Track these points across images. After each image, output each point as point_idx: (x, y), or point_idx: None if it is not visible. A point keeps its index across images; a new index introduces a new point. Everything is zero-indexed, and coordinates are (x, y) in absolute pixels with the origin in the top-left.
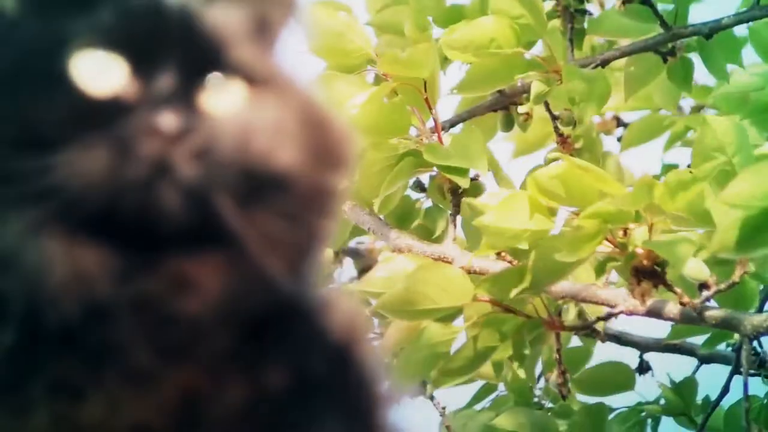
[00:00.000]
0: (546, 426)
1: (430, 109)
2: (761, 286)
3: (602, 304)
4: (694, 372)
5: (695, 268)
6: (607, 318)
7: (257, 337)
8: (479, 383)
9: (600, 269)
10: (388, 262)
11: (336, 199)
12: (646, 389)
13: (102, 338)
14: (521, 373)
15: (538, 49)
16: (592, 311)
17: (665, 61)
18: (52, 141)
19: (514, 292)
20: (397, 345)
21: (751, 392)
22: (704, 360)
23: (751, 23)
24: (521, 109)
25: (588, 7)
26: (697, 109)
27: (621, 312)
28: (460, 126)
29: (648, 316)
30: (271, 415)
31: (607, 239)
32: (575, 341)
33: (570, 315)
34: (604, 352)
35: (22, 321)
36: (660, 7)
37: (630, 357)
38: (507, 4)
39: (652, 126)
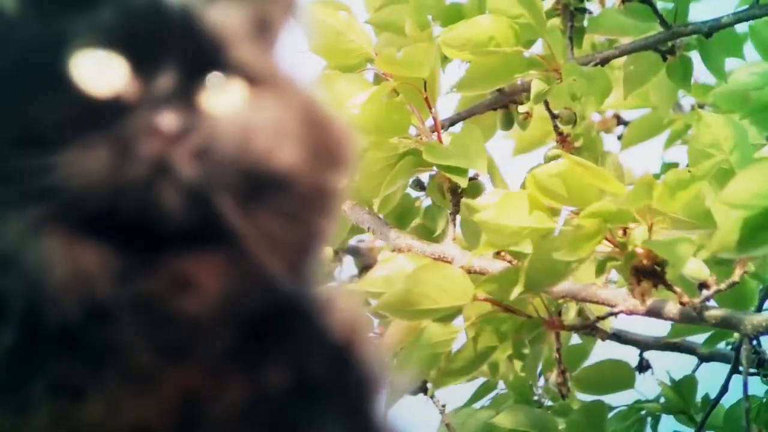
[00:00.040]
0: (545, 424)
1: (429, 108)
2: (761, 286)
3: (602, 303)
4: (694, 370)
5: (695, 268)
6: (606, 317)
7: (257, 337)
8: (479, 381)
9: (600, 269)
10: (388, 262)
11: (336, 198)
12: (646, 387)
13: (102, 338)
14: (522, 373)
15: (537, 48)
16: (593, 310)
17: (665, 59)
18: (52, 141)
19: (514, 292)
20: (397, 345)
21: (750, 392)
22: (704, 358)
23: (750, 22)
24: (521, 108)
25: (588, 5)
26: (698, 107)
27: (621, 312)
28: (459, 124)
29: (648, 315)
30: (271, 415)
31: (606, 239)
32: (574, 339)
33: (570, 314)
34: (604, 351)
35: (22, 321)
36: (660, 5)
37: (630, 355)
38: (506, 3)
39: (652, 124)
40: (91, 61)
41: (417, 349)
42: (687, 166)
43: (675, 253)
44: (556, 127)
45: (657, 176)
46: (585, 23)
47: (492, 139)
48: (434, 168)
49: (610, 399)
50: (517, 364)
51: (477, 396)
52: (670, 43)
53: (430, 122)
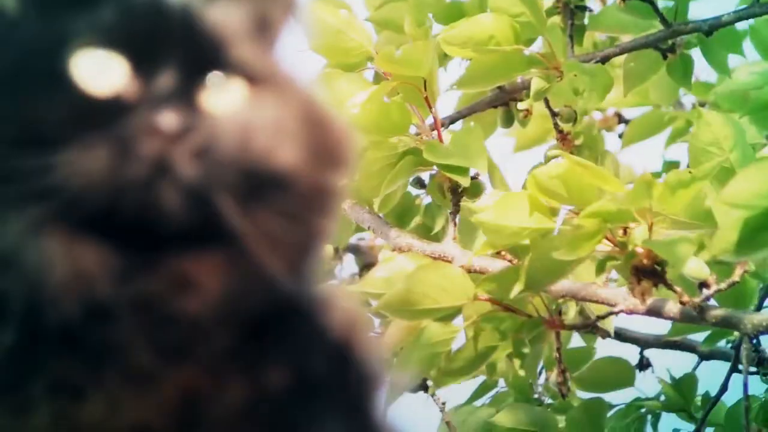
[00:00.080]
0: (545, 422)
1: (429, 107)
2: (761, 285)
3: (602, 303)
4: (694, 368)
5: (695, 267)
6: (607, 317)
7: (257, 336)
8: (479, 379)
9: (600, 268)
10: (388, 262)
11: (336, 198)
12: (646, 385)
13: (102, 338)
14: (522, 372)
15: (537, 46)
16: (593, 309)
17: (665, 57)
18: (52, 140)
19: (514, 292)
20: (398, 344)
21: (750, 390)
22: (704, 357)
23: (751, 20)
24: (521, 105)
25: (588, 3)
26: (699, 105)
27: (621, 311)
28: (460, 122)
29: (648, 315)
30: (271, 414)
31: (606, 238)
32: (577, 340)
33: (570, 313)
34: (604, 349)
35: (22, 320)
36: (660, 3)
37: (630, 353)
38: (506, 1)
39: (653, 122)
40: (92, 61)
41: (417, 348)
42: (688, 164)
43: (675, 253)
44: (556, 125)
45: (658, 174)
46: (585, 21)
47: (492, 137)
48: (435, 167)
49: (610, 397)
50: (517, 363)
51: (477, 394)
52: (670, 41)
53: (430, 120)
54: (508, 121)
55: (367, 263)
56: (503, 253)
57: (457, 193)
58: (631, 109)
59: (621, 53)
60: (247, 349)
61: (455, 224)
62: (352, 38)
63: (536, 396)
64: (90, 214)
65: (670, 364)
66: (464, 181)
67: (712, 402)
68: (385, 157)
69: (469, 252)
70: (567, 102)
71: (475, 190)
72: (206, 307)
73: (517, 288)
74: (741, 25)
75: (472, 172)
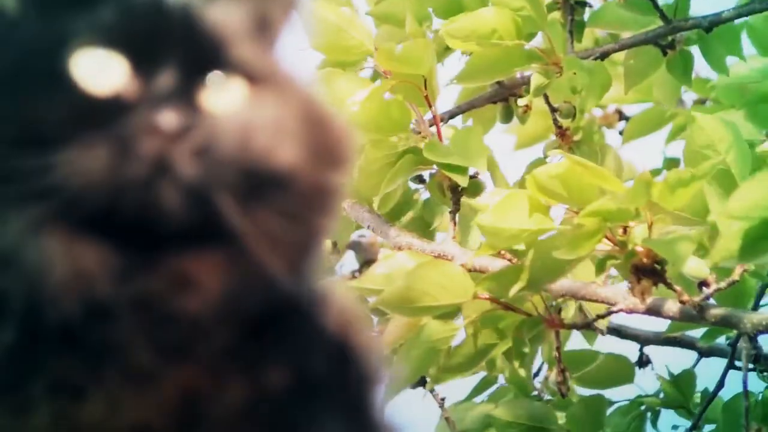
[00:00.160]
0: (545, 417)
1: (429, 105)
2: (759, 284)
3: (602, 302)
4: (694, 365)
5: (695, 267)
6: (607, 316)
7: (257, 336)
8: (479, 375)
9: (600, 267)
10: (388, 259)
11: (336, 197)
12: (646, 382)
13: (102, 337)
14: (522, 372)
15: (537, 41)
16: (593, 308)
17: (665, 54)
18: (52, 140)
19: (513, 290)
20: (397, 342)
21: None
22: (704, 353)
23: (749, 17)
24: (521, 101)
25: None
26: (700, 102)
27: (621, 310)
28: (459, 117)
29: (648, 314)
30: (271, 414)
31: (606, 237)
32: (578, 338)
33: (570, 311)
34: (604, 346)
35: (22, 320)
36: (660, 0)
37: (630, 350)
38: None
39: (653, 119)
40: (91, 60)
41: (416, 346)
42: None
43: (675, 252)
44: (555, 121)
45: (659, 171)
46: (585, 17)
47: (493, 134)
48: (434, 166)
49: (610, 394)
50: (516, 364)
51: (477, 390)
52: (670, 38)
53: (428, 116)
54: (508, 117)
55: (367, 260)
56: (503, 252)
57: (456, 192)
58: (632, 105)
59: (620, 49)
60: (247, 349)
61: (455, 223)
62: (352, 36)
63: (536, 393)
64: (90, 213)
65: (670, 360)
66: (463, 181)
67: (708, 399)
68: (384, 156)
69: (469, 251)
70: (566, 98)
71: (475, 188)
72: (206, 307)
73: (517, 287)
74: (738, 22)
75: (471, 171)
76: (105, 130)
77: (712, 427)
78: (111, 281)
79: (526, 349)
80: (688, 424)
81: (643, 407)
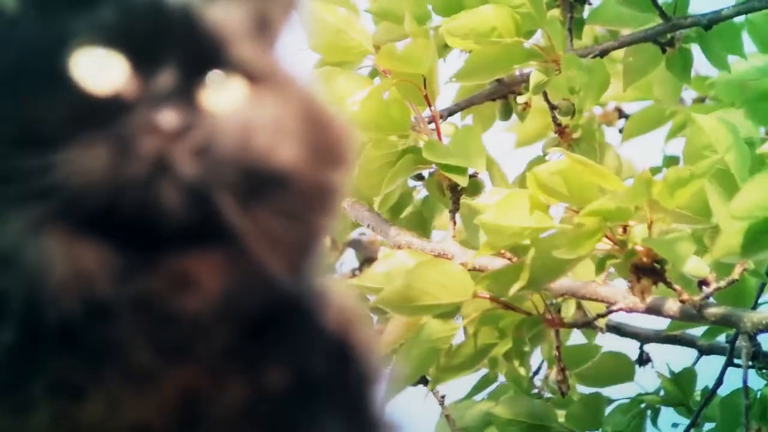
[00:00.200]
0: (545, 415)
1: (429, 105)
2: (759, 283)
3: (602, 301)
4: (694, 363)
5: (695, 266)
6: (607, 315)
7: (257, 335)
8: (479, 373)
9: (600, 266)
10: (388, 258)
11: (336, 196)
12: (646, 380)
13: (102, 337)
14: (522, 371)
15: (537, 39)
16: (593, 306)
17: (664, 51)
18: (52, 139)
19: (513, 289)
20: (397, 341)
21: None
22: (704, 351)
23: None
24: (520, 98)
25: None
26: (699, 100)
27: (621, 309)
28: (458, 114)
29: (648, 313)
30: (271, 414)
31: (606, 236)
32: (578, 335)
33: (570, 310)
34: (604, 343)
35: (22, 319)
36: None
37: (630, 348)
38: None
39: (653, 117)
40: (91, 60)
41: (416, 345)
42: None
43: (675, 252)
44: (554, 119)
45: (658, 169)
46: (585, 14)
47: (492, 132)
48: (434, 165)
49: (610, 392)
50: (516, 363)
51: (477, 388)
52: (669, 35)
53: (427, 113)
54: (507, 114)
55: (367, 258)
56: (503, 251)
57: (456, 192)
58: (632, 103)
59: (620, 47)
60: (247, 349)
61: (455, 222)
62: (352, 37)
63: (536, 391)
64: (90, 213)
65: (670, 358)
66: (462, 181)
67: (707, 397)
68: (384, 155)
69: (470, 250)
70: (565, 96)
71: (475, 188)
72: (206, 306)
73: (517, 286)
74: (737, 20)
75: (470, 171)
76: (105, 129)
77: (712, 425)
78: (111, 281)
79: (526, 348)
80: (687, 421)
81: (643, 405)
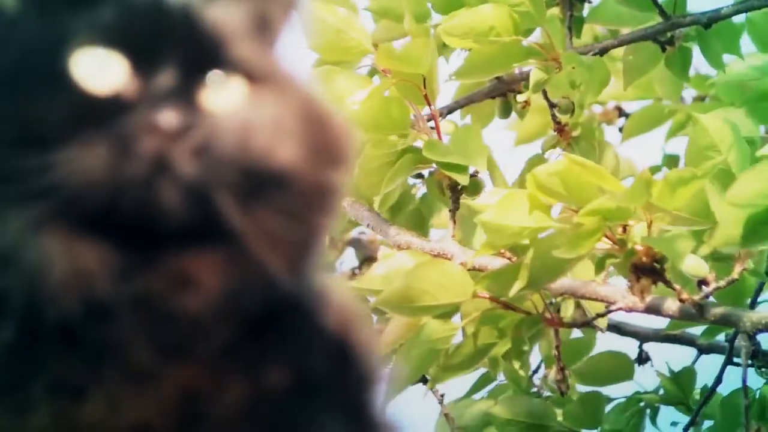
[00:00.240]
0: (544, 414)
1: (429, 104)
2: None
3: (601, 300)
4: (693, 362)
5: (694, 265)
6: (606, 314)
7: (257, 335)
8: (478, 372)
9: (599, 266)
10: (388, 259)
11: (336, 196)
12: (645, 379)
13: (102, 336)
14: (521, 371)
15: (536, 37)
16: (592, 306)
17: (664, 50)
18: (52, 139)
19: (513, 289)
20: (396, 341)
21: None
22: (703, 350)
23: (749, 13)
24: (519, 96)
25: None
26: (700, 99)
27: (620, 309)
28: (457, 112)
29: (647, 312)
30: (271, 414)
31: (606, 236)
32: (577, 334)
33: (569, 309)
34: (603, 342)
35: (22, 319)
36: None
37: (629, 347)
38: None
39: (653, 116)
40: (91, 60)
41: (416, 345)
42: (684, 165)
43: (674, 249)
44: (554, 116)
45: (658, 168)
46: (584, 13)
47: (491, 130)
48: (434, 164)
49: (609, 390)
50: (515, 363)
51: (476, 387)
52: (669, 34)
53: (426, 111)
54: (506, 112)
55: (367, 257)
56: (502, 250)
57: (456, 191)
58: (632, 102)
59: (619, 45)
60: (247, 348)
61: (454, 222)
62: (352, 37)
63: (535, 389)
64: (90, 212)
65: (669, 357)
66: (463, 180)
67: (706, 395)
68: (384, 154)
69: (469, 250)
70: (565, 94)
71: (475, 187)
72: (206, 306)
73: (517, 285)
74: (738, 19)
75: (471, 170)
76: (105, 129)
77: (711, 423)
78: (111, 280)
79: (526, 348)
80: (687, 420)
81: (642, 404)
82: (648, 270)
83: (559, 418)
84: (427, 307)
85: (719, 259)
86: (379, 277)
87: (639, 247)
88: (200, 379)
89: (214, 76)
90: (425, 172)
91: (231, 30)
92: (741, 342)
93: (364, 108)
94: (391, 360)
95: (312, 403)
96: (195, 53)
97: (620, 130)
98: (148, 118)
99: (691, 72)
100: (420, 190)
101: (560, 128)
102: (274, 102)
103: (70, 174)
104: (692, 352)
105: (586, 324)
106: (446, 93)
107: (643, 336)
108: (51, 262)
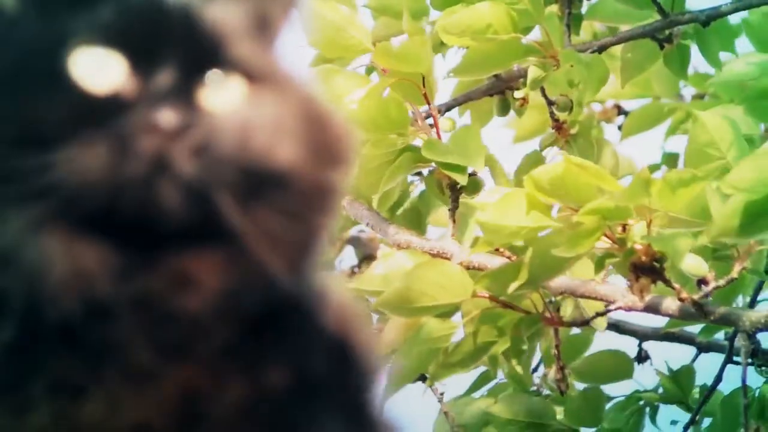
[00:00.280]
0: (543, 412)
1: (428, 103)
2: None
3: (601, 299)
4: (693, 361)
5: (694, 264)
6: (605, 313)
7: (257, 335)
8: (478, 370)
9: (599, 265)
10: (387, 259)
11: (336, 195)
12: (645, 378)
13: (102, 336)
14: (519, 369)
15: (535, 35)
16: (592, 305)
17: (662, 47)
18: (52, 139)
19: (512, 288)
20: (396, 342)
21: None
22: (702, 349)
23: (745, 13)
24: (517, 94)
25: None
26: (699, 97)
27: (619, 308)
28: (455, 109)
29: (646, 311)
30: (271, 414)
31: (605, 235)
32: (576, 332)
33: (568, 309)
34: (603, 341)
35: (22, 319)
36: None
37: (629, 345)
38: None
39: (652, 114)
40: (90, 59)
41: (416, 344)
42: (684, 163)
43: (674, 247)
44: (552, 114)
45: (657, 167)
46: (583, 10)
47: (489, 128)
48: (433, 164)
49: (608, 389)
50: (514, 362)
51: (476, 385)
52: (667, 32)
53: (424, 108)
54: (504, 110)
55: (366, 255)
56: (501, 249)
57: (455, 190)
58: (631, 100)
59: (617, 43)
60: (247, 348)
61: (454, 221)
62: (351, 35)
63: (535, 388)
64: (89, 212)
65: (669, 356)
66: (462, 180)
67: (706, 394)
68: (383, 154)
69: (468, 249)
70: (563, 91)
71: (474, 186)
72: (206, 305)
73: (515, 284)
74: (735, 20)
75: (470, 169)
76: (104, 128)
77: (711, 421)
78: (111, 280)
79: (525, 347)
80: (686, 418)
81: (641, 402)
82: (647, 269)
83: (559, 417)
84: (426, 307)
85: (719, 258)
86: (379, 277)
87: (638, 246)
88: (200, 379)
89: (214, 75)
90: (424, 171)
91: (230, 29)
92: (741, 341)
93: (363, 107)
94: (391, 359)
95: (312, 403)
96: (194, 53)
97: (619, 128)
98: (148, 118)
99: (690, 70)
100: (418, 186)
101: (558, 126)
102: (273, 101)
103: (69, 174)
104: (692, 350)
105: (586, 323)
106: (444, 90)
107: (642, 334)
108: (51, 262)
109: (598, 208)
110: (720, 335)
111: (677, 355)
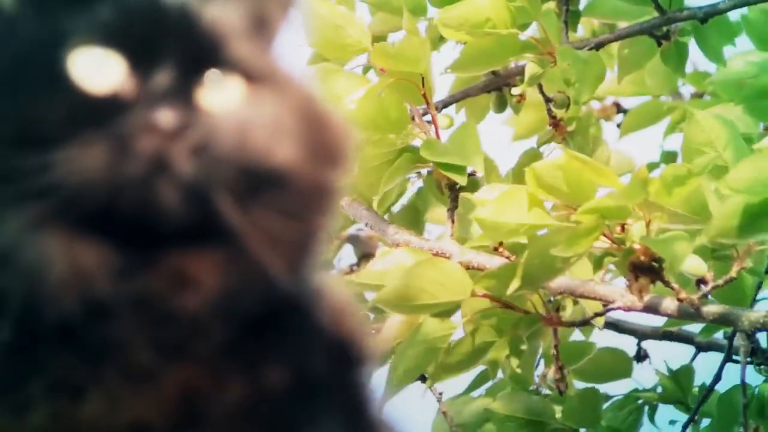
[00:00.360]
0: (542, 411)
1: (427, 103)
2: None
3: (600, 299)
4: (692, 360)
5: (693, 264)
6: (605, 313)
7: (257, 334)
8: (477, 369)
9: (597, 265)
10: (386, 256)
11: (335, 195)
12: (644, 377)
13: (101, 336)
14: (519, 370)
15: (533, 31)
16: (591, 304)
17: (659, 44)
18: (51, 139)
19: (511, 288)
20: (395, 340)
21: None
22: (701, 348)
23: (744, 10)
24: (515, 90)
25: None
26: (698, 95)
27: (618, 308)
28: (452, 106)
29: (645, 311)
30: (270, 414)
31: (604, 234)
32: (576, 332)
33: (567, 309)
34: (602, 340)
35: (21, 319)
36: None
37: (628, 344)
38: None
39: (651, 112)
40: (89, 59)
41: (415, 344)
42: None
43: (672, 251)
44: (549, 111)
45: (656, 165)
46: (581, 7)
47: (486, 125)
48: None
49: (607, 388)
50: (514, 362)
51: (475, 385)
52: (665, 28)
53: (423, 106)
54: (501, 107)
55: (365, 253)
56: (501, 249)
57: (454, 190)
58: (630, 98)
59: (615, 39)
60: (247, 348)
61: (453, 221)
62: (350, 34)
63: (534, 387)
64: (88, 211)
65: (668, 355)
66: (461, 180)
67: (705, 393)
68: (382, 154)
69: (468, 249)
70: (560, 88)
71: (473, 186)
72: (205, 305)
73: (514, 284)
74: (734, 17)
75: (469, 169)
76: (103, 128)
77: (710, 421)
78: (110, 280)
79: (524, 347)
80: (685, 418)
81: (640, 401)
82: (646, 269)
83: (558, 415)
84: (425, 305)
85: (718, 258)
86: (378, 272)
87: (637, 246)
88: (200, 379)
89: (212, 75)
90: (424, 171)
91: (229, 29)
92: (740, 340)
93: (362, 107)
94: (390, 359)
95: (312, 403)
96: (193, 52)
97: (618, 126)
98: (147, 118)
99: (689, 68)
100: (416, 184)
101: (556, 123)
102: (272, 101)
103: (69, 174)
104: (691, 349)
105: (585, 323)
106: (442, 86)
107: (641, 333)
108: (50, 261)
109: (597, 207)
110: (719, 334)
111: (676, 354)
